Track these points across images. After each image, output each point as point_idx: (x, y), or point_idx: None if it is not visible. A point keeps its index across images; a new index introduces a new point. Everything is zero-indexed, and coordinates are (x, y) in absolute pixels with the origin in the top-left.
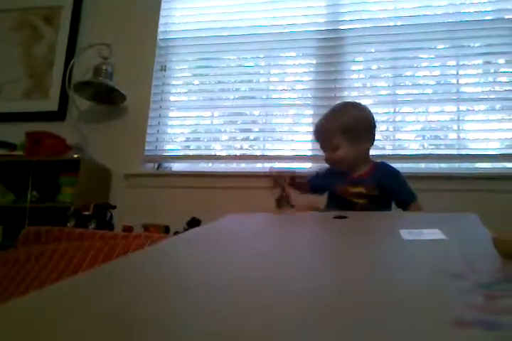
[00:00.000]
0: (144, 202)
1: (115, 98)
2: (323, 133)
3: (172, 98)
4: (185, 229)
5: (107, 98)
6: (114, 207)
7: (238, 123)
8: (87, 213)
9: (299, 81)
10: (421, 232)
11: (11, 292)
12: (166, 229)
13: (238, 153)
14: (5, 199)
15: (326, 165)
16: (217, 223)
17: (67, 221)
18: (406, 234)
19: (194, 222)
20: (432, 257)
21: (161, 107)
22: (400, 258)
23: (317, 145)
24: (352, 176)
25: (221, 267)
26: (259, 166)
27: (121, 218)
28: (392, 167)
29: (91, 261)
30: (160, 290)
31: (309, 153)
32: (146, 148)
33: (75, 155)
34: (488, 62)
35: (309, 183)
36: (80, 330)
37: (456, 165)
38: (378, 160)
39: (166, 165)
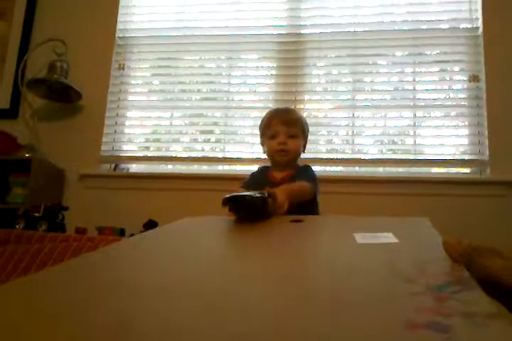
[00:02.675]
0: (99, 204)
1: (70, 96)
2: (293, 119)
3: (130, 97)
4: (142, 232)
5: (62, 96)
6: (66, 209)
7: (200, 124)
8: (37, 214)
9: (260, 83)
10: (374, 236)
11: None
12: (122, 232)
13: (199, 155)
14: None
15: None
16: (171, 225)
17: (16, 223)
18: (359, 237)
19: (150, 224)
20: (384, 260)
21: (118, 107)
22: (352, 261)
23: (271, 129)
24: (276, 179)
25: (168, 270)
26: (221, 168)
27: (76, 220)
28: (309, 166)
29: (40, 264)
30: (104, 293)
31: None
32: (103, 148)
33: (27, 155)
34: (444, 70)
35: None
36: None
37: (413, 169)
38: (302, 164)
39: (123, 166)
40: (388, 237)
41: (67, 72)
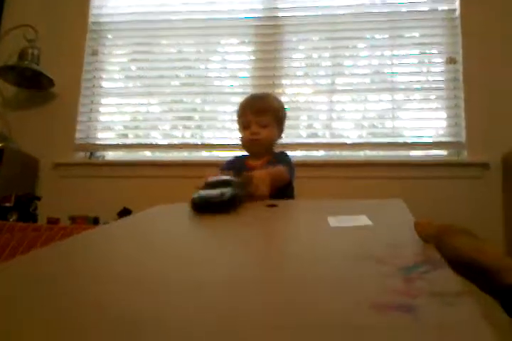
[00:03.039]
0: (74, 193)
1: (42, 83)
2: (264, 108)
3: (106, 84)
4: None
5: (34, 83)
6: (39, 198)
7: (178, 111)
8: (8, 204)
9: (238, 68)
10: (348, 219)
11: None
12: (95, 221)
13: (178, 141)
14: None
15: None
16: (144, 213)
17: None
18: (333, 220)
19: (125, 213)
20: (357, 243)
21: (93, 93)
22: (325, 244)
23: (243, 119)
24: (252, 166)
25: (138, 257)
26: (201, 155)
27: (50, 210)
28: (286, 153)
29: (10, 254)
30: (76, 282)
31: None
32: (77, 136)
33: None
34: (423, 53)
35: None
36: None
37: (393, 153)
38: (278, 150)
39: (98, 154)
40: (362, 220)
41: (39, 58)
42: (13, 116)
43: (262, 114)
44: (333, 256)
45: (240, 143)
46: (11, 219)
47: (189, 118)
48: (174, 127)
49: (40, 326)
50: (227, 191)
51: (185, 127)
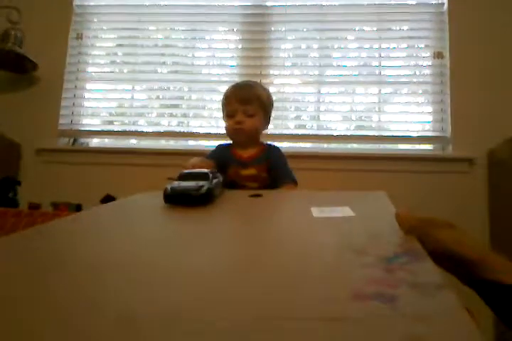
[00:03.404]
0: (57, 179)
1: (25, 66)
2: (250, 97)
3: (91, 69)
4: None
5: (16, 66)
6: (19, 183)
7: (165, 98)
8: None
9: (226, 57)
10: (331, 210)
11: None
12: (78, 207)
13: (163, 129)
14: None
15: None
16: (126, 200)
17: None
18: (316, 211)
19: (108, 200)
20: (338, 233)
21: (77, 78)
22: (306, 235)
23: (228, 108)
24: (242, 157)
25: (115, 245)
26: (187, 143)
27: (32, 196)
28: (279, 148)
29: None
30: (53, 265)
31: None
32: (61, 121)
33: None
34: (410, 46)
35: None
36: None
37: (379, 146)
38: (267, 142)
39: (82, 140)
40: (345, 211)
41: (22, 41)
42: None
43: (248, 102)
44: (315, 246)
45: (224, 132)
46: None
47: (176, 107)
48: (160, 115)
49: (24, 313)
50: (204, 184)
51: (172, 115)
